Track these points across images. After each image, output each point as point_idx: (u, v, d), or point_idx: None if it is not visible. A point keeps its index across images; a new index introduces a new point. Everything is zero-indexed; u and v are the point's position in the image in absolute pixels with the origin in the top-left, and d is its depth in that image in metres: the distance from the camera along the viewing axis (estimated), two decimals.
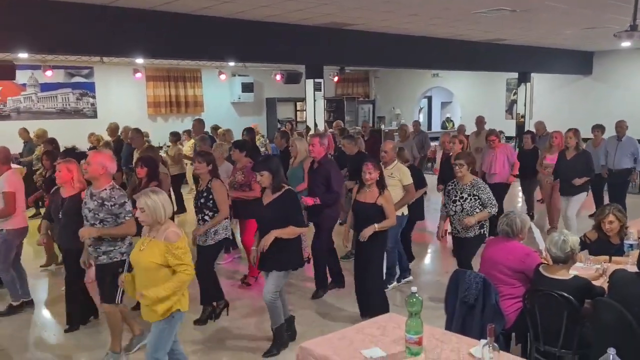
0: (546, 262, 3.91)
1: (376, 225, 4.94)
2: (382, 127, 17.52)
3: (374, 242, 5.00)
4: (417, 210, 6.70)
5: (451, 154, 7.38)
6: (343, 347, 3.13)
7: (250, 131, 9.23)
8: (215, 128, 11.44)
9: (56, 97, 13.87)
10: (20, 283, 5.86)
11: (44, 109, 13.72)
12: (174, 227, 3.62)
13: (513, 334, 4.28)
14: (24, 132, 11.01)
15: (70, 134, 11.60)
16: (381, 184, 5.03)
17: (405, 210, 6.08)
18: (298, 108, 17.56)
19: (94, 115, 14.13)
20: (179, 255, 3.52)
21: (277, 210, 4.50)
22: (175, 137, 10.78)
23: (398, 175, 5.92)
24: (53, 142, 8.61)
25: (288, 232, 4.48)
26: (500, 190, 7.97)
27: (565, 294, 3.53)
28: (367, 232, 4.93)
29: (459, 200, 5.37)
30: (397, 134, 12.34)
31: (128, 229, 4.37)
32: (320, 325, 5.25)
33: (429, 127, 19.23)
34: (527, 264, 4.02)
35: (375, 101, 19.16)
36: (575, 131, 7.65)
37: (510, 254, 4.11)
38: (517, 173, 8.41)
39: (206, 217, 5.27)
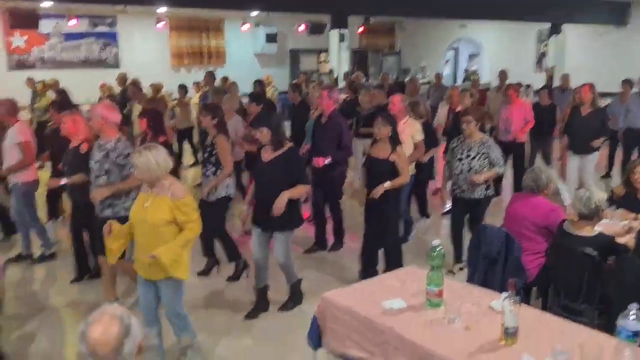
0: (571, 218, 3.87)
1: (387, 183, 4.78)
2: (407, 79, 17.23)
3: (386, 201, 4.85)
4: (427, 170, 6.48)
5: (459, 109, 6.99)
6: (364, 298, 3.18)
7: (260, 83, 9.01)
8: (225, 80, 11.34)
9: (80, 46, 13.91)
10: (24, 237, 5.87)
11: (68, 58, 13.78)
12: (178, 183, 3.55)
13: (534, 288, 4.30)
14: (30, 82, 10.87)
15: (93, 83, 11.65)
16: (394, 140, 4.85)
17: (412, 169, 5.85)
18: (321, 59, 17.32)
19: (117, 65, 14.15)
20: (187, 212, 3.44)
21: (280, 169, 4.34)
22: (183, 90, 10.62)
23: (410, 131, 5.73)
24: (62, 92, 8.46)
25: (297, 192, 4.36)
26: (516, 149, 7.73)
27: (589, 251, 3.51)
28: (378, 191, 4.78)
29: (466, 159, 5.18)
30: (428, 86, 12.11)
31: (136, 181, 4.22)
32: (333, 281, 5.24)
33: (455, 80, 18.83)
34: (552, 219, 3.99)
35: (401, 53, 18.78)
36: (591, 86, 7.12)
37: (534, 210, 4.08)
38: (525, 132, 7.84)
39: (207, 172, 5.19)
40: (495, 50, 16.77)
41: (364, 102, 7.46)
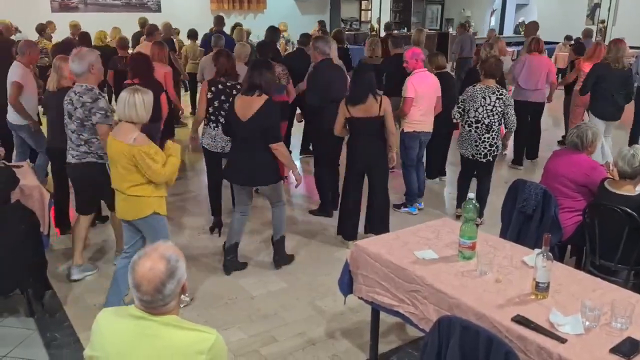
0: (612, 177, 3.78)
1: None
2: (450, 30, 16.73)
3: None
4: (446, 121, 6.05)
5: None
6: (397, 247, 3.21)
7: (273, 31, 8.58)
8: (239, 27, 11.16)
9: None
10: (40, 173, 5.80)
11: (110, 1, 13.82)
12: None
13: (568, 246, 4.26)
14: (41, 26, 10.52)
15: (135, 27, 11.71)
16: None
17: (404, 126, 5.65)
18: (363, 7, 16.93)
19: (158, 9, 14.15)
20: None
21: None
22: (191, 34, 10.45)
23: (405, 86, 5.57)
24: (84, 35, 8.42)
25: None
26: (526, 109, 7.27)
27: (629, 210, 3.44)
28: None
29: None
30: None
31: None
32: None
33: (501, 31, 18.14)
34: (593, 177, 3.90)
35: (445, 2, 18.16)
36: (615, 42, 6.54)
37: (575, 167, 3.98)
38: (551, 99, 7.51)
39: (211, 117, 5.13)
40: (545, 0, 16.04)
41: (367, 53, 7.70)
